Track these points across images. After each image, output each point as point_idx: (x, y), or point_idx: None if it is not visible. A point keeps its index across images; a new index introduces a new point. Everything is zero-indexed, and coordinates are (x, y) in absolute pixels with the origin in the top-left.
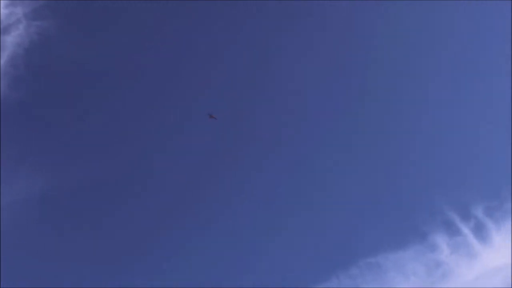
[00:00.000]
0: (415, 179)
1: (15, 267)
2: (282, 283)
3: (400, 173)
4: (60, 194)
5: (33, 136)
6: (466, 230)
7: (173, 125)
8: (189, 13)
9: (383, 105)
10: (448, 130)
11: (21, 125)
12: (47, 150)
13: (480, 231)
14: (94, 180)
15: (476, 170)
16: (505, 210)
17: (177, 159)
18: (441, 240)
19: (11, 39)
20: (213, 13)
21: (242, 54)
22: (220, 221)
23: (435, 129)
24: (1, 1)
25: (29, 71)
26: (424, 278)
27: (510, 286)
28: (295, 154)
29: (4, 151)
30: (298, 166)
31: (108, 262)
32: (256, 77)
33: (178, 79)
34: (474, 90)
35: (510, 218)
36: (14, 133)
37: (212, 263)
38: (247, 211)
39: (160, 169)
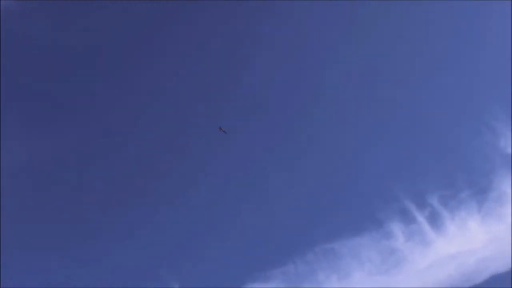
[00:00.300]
0: (373, 167)
1: None
2: (239, 268)
3: (358, 161)
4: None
5: None
6: (421, 218)
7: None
8: None
9: (339, 93)
10: (406, 119)
11: None
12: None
13: (434, 219)
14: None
15: (432, 160)
16: (459, 199)
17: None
18: (396, 228)
19: None
20: None
21: None
22: (176, 205)
23: (393, 118)
24: None
25: None
26: (379, 265)
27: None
28: (253, 142)
29: None
30: (255, 151)
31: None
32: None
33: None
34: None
35: (465, 207)
36: None
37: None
38: (201, 195)
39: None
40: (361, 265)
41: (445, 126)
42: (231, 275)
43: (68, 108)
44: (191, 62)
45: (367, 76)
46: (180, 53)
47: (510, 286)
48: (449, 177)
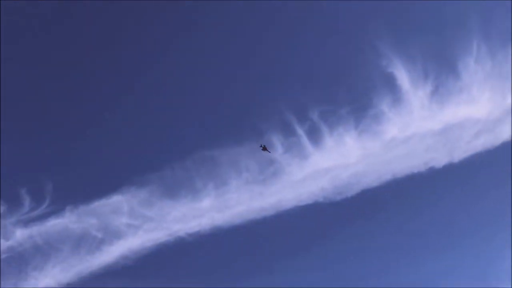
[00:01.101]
0: (257, 78)
1: None
2: (115, 171)
3: (242, 72)
4: None
5: None
6: (301, 131)
7: None
8: None
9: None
10: (292, 35)
11: None
12: None
13: (313, 133)
14: None
15: (315, 75)
16: (338, 115)
17: None
18: (276, 139)
19: None
20: None
21: None
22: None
23: (279, 35)
24: None
25: None
26: (256, 175)
27: None
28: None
29: None
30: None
31: None
32: None
33: None
34: None
35: (343, 123)
36: None
37: None
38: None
39: None
40: (239, 174)
41: (329, 43)
42: (107, 177)
43: None
44: None
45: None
46: None
47: (379, 201)
48: (330, 93)
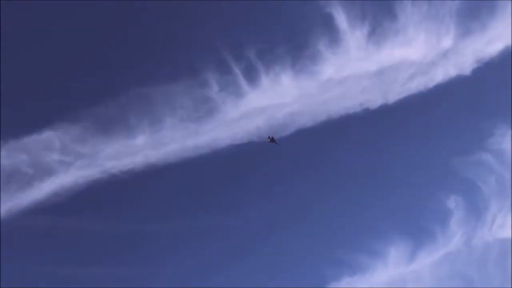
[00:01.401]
0: (192, 14)
1: None
2: (45, 107)
3: (177, 8)
4: None
5: None
6: (237, 70)
7: None
8: None
9: None
10: None
11: None
12: None
13: (249, 72)
14: None
15: (251, 12)
16: (275, 53)
17: None
18: (211, 77)
19: None
20: None
21: None
22: None
23: None
24: None
25: None
26: (191, 113)
27: None
28: None
29: None
30: None
31: None
32: None
33: None
34: None
35: (280, 62)
36: None
37: None
38: None
39: None
40: (174, 112)
41: None
42: (38, 112)
43: None
44: None
45: None
46: None
47: (314, 141)
48: (267, 31)
